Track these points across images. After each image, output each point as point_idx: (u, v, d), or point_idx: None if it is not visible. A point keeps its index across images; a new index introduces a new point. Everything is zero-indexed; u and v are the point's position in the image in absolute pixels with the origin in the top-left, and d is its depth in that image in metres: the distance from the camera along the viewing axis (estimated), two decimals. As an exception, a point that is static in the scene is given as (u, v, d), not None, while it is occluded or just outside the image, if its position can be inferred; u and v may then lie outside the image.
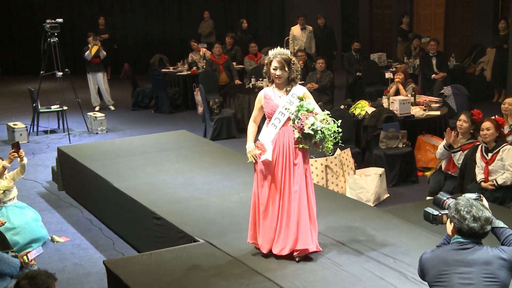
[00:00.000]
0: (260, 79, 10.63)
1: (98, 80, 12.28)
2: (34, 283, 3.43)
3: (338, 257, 4.57)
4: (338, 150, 7.41)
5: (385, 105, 8.51)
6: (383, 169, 7.33)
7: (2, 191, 5.97)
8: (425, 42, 11.88)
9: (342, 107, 8.93)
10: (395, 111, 8.20)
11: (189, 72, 12.48)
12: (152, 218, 5.63)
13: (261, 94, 4.67)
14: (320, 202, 5.72)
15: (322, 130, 4.35)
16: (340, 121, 4.46)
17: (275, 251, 4.59)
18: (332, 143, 4.41)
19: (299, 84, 4.70)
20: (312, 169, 7.11)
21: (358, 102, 8.66)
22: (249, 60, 12.63)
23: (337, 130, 4.41)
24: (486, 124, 6.07)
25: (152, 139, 8.33)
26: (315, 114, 4.40)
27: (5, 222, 5.61)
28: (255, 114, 4.75)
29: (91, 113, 10.99)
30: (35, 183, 8.13)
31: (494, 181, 6.03)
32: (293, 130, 4.48)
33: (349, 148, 7.58)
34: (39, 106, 10.66)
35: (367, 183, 7.00)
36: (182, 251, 4.80)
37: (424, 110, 8.56)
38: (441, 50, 12.48)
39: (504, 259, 2.94)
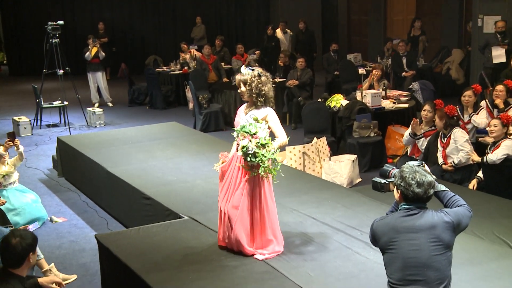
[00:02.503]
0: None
1: (98, 79, 12.22)
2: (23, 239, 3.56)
3: (310, 230, 4.57)
4: (315, 138, 7.43)
5: (358, 98, 8.53)
6: (356, 156, 7.34)
7: (2, 176, 5.92)
8: (396, 44, 11.91)
9: (319, 100, 8.96)
10: (367, 104, 8.22)
11: (181, 72, 12.44)
12: (142, 199, 5.60)
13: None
14: (296, 183, 5.77)
15: (255, 154, 3.88)
16: (278, 151, 4.02)
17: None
18: (265, 170, 3.92)
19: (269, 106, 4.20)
20: (290, 156, 7.12)
21: (333, 96, 8.69)
22: (236, 60, 12.59)
23: (277, 158, 3.95)
24: (436, 115, 6.25)
25: (144, 130, 8.29)
26: (254, 138, 3.92)
27: (6, 202, 5.57)
28: None
29: (90, 108, 10.93)
30: (37, 171, 8.09)
31: (452, 162, 6.09)
32: None
33: (325, 137, 7.60)
34: (42, 102, 10.59)
35: (341, 168, 7.01)
36: (168, 226, 4.78)
37: (394, 103, 8.59)
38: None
39: (447, 222, 2.93)
